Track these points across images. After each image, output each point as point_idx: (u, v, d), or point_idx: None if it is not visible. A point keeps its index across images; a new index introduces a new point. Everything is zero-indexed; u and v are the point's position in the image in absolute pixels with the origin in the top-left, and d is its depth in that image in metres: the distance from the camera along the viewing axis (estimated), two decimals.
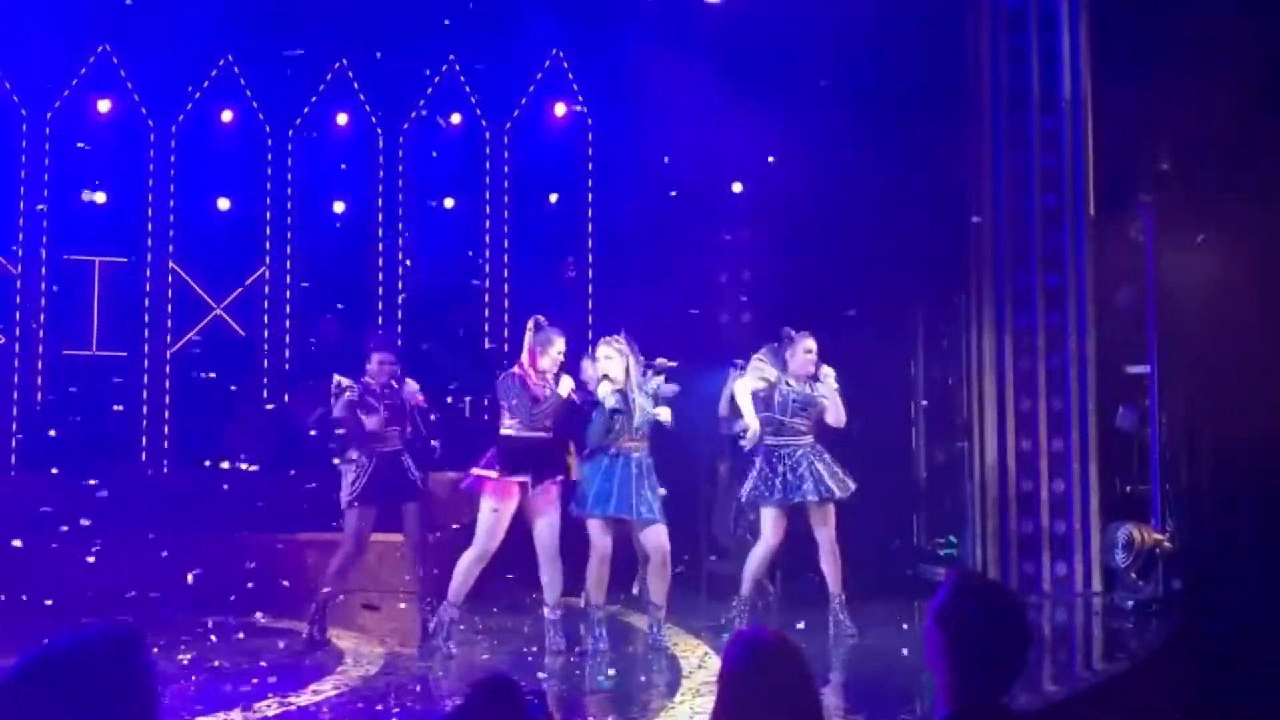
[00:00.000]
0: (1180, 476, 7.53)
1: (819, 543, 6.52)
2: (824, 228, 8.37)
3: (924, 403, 8.88)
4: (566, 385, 6.05)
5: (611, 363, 6.10)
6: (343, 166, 9.77)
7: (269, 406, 9.24)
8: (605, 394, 6.07)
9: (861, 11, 7.72)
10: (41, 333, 9.20)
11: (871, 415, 7.70)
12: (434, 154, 9.85)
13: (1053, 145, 7.87)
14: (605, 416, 6.13)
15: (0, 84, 9.05)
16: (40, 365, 9.17)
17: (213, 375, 9.03)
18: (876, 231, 8.28)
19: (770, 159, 8.77)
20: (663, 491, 6.29)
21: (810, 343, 6.52)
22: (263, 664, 5.99)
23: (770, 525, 6.48)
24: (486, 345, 7.72)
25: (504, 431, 6.12)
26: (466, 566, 6.06)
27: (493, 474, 6.00)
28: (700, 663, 5.91)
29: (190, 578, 6.90)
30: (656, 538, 6.17)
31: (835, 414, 6.51)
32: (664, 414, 6.18)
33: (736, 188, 9.50)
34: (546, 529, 6.12)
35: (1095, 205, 7.88)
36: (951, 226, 8.19)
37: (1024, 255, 7.89)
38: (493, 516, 6.00)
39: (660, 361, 6.30)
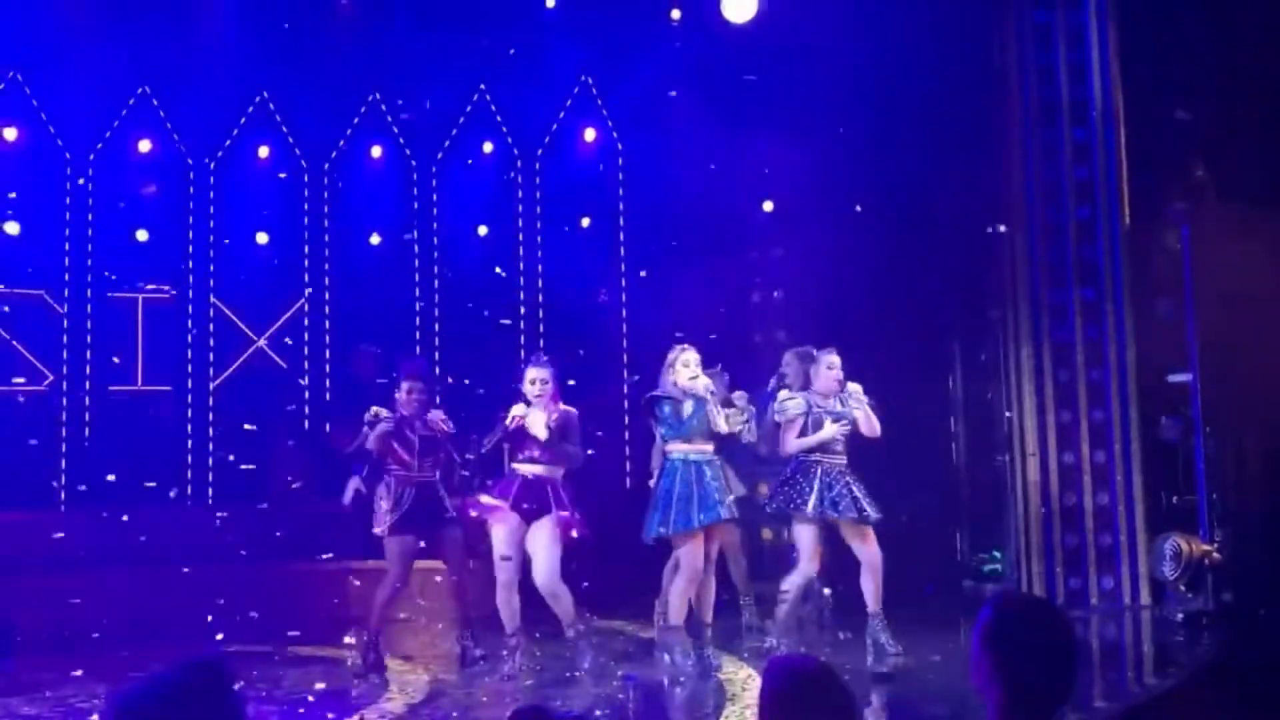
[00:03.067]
0: (1227, 485, 7.43)
1: (861, 560, 6.48)
2: (857, 246, 8.39)
3: (961, 419, 8.83)
4: (536, 420, 6.08)
5: (694, 366, 6.16)
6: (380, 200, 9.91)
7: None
8: (702, 386, 6.12)
9: (890, 29, 7.77)
10: (88, 369, 9.38)
11: (911, 432, 7.68)
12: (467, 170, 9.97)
13: (1085, 157, 7.85)
14: (703, 410, 6.12)
15: (44, 127, 9.26)
16: (87, 401, 9.35)
17: (252, 427, 9.13)
18: (910, 248, 8.28)
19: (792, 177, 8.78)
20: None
21: (834, 358, 6.45)
22: (309, 695, 6.04)
23: (810, 546, 6.41)
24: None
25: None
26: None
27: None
28: (745, 685, 5.89)
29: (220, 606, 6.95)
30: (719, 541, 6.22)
31: (869, 425, 6.44)
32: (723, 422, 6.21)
33: (767, 207, 9.53)
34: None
35: (1130, 216, 7.83)
36: (986, 241, 8.18)
37: (1060, 268, 7.86)
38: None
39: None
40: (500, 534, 6.19)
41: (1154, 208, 7.81)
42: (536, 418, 6.08)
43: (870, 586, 6.42)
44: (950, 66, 8.05)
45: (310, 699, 5.93)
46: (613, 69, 9.53)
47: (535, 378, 6.20)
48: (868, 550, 6.40)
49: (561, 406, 6.26)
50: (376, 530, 6.53)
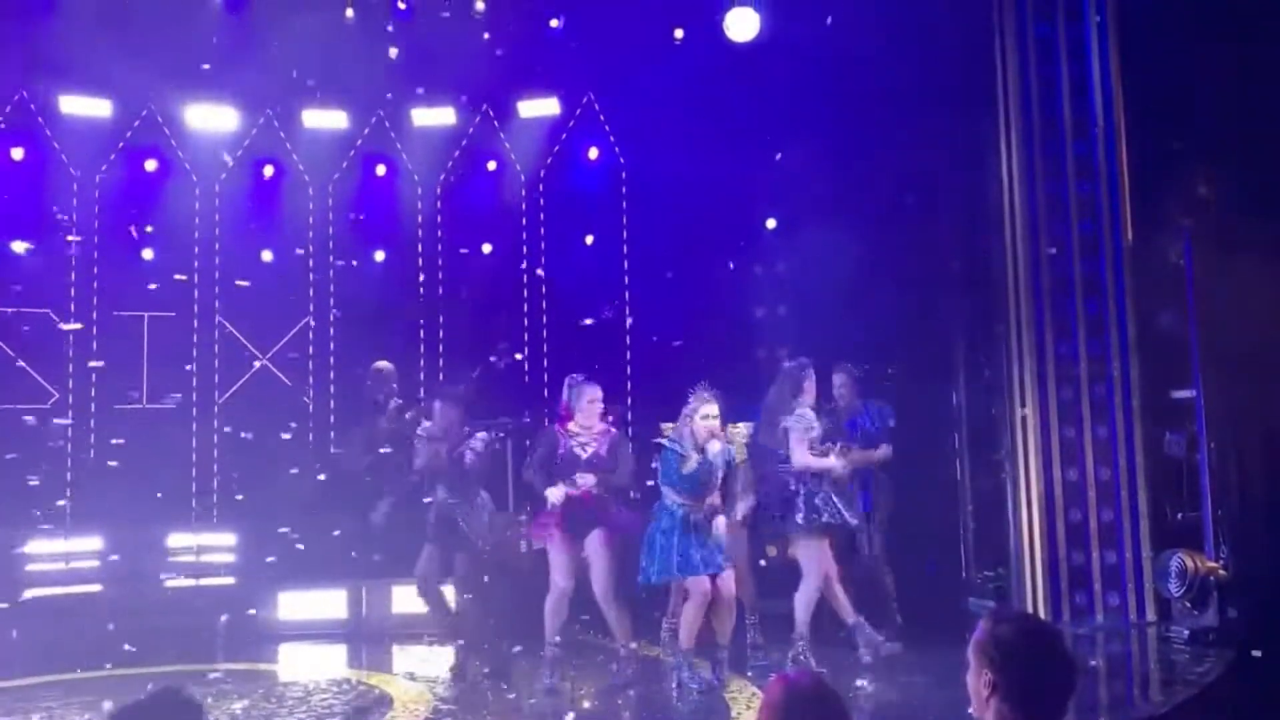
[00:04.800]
0: (1232, 502, 7.40)
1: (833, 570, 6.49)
2: (860, 262, 8.39)
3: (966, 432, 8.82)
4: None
5: (714, 420, 6.01)
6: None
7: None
8: (716, 451, 5.99)
9: (891, 45, 7.79)
10: (93, 390, 9.41)
11: (914, 448, 7.66)
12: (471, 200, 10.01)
13: (1087, 172, 7.86)
14: (707, 471, 6.03)
15: (51, 146, 9.33)
16: (92, 421, 9.38)
17: (248, 436, 9.14)
18: (913, 264, 8.29)
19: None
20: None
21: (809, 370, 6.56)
22: (314, 711, 6.03)
23: (819, 558, 6.41)
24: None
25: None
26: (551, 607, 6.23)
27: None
28: (749, 704, 5.87)
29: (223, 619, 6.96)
30: (730, 583, 6.16)
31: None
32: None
33: (770, 223, 9.55)
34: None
35: (1132, 230, 7.83)
36: (989, 256, 8.18)
37: (1063, 283, 7.85)
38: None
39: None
40: (558, 563, 6.20)
41: (1156, 222, 7.81)
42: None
43: (844, 596, 6.44)
44: (951, 82, 8.08)
45: (316, 716, 5.92)
46: (616, 88, 9.57)
47: (594, 397, 6.21)
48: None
49: (609, 428, 6.34)
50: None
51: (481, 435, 6.53)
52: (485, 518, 6.58)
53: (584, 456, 6.16)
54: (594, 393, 6.23)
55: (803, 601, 6.43)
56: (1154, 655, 7.01)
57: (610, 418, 6.49)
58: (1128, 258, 7.80)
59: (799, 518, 6.35)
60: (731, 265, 9.21)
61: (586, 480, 6.05)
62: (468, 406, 6.72)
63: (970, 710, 2.27)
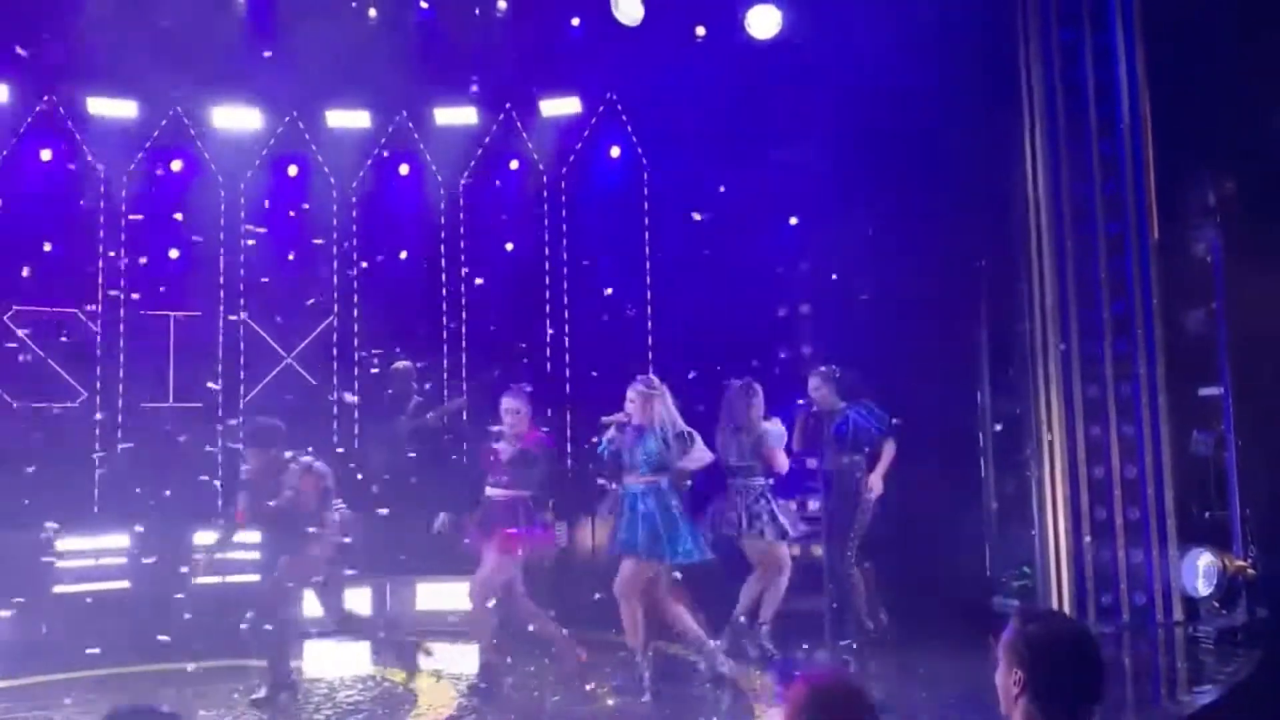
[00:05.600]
0: (1260, 500, 7.34)
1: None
2: (883, 261, 8.37)
3: (996, 428, 8.76)
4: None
5: (632, 405, 6.24)
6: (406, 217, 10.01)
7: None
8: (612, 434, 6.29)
9: (914, 45, 7.76)
10: (121, 386, 9.50)
11: (938, 447, 7.64)
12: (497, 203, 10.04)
13: (1114, 172, 7.81)
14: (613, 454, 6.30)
15: (80, 149, 9.43)
16: (120, 418, 9.46)
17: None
18: (937, 263, 8.25)
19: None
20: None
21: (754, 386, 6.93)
22: (339, 708, 6.08)
23: (786, 559, 6.82)
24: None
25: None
26: None
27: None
28: (771, 702, 5.87)
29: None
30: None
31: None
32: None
33: (793, 221, 9.52)
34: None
35: (1159, 229, 7.77)
36: (1014, 255, 8.14)
37: (1089, 282, 7.80)
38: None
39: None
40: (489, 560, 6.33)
41: (1183, 220, 7.75)
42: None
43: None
44: (975, 84, 8.03)
45: (341, 711, 5.96)
46: (638, 86, 9.57)
47: (508, 408, 6.31)
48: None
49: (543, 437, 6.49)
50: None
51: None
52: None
53: (504, 459, 6.30)
54: (507, 403, 6.33)
55: (776, 594, 6.77)
56: (1181, 655, 6.96)
57: (546, 429, 6.73)
58: (1154, 256, 7.74)
59: (767, 531, 6.72)
60: (753, 269, 9.19)
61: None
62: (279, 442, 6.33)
63: (1001, 710, 2.26)
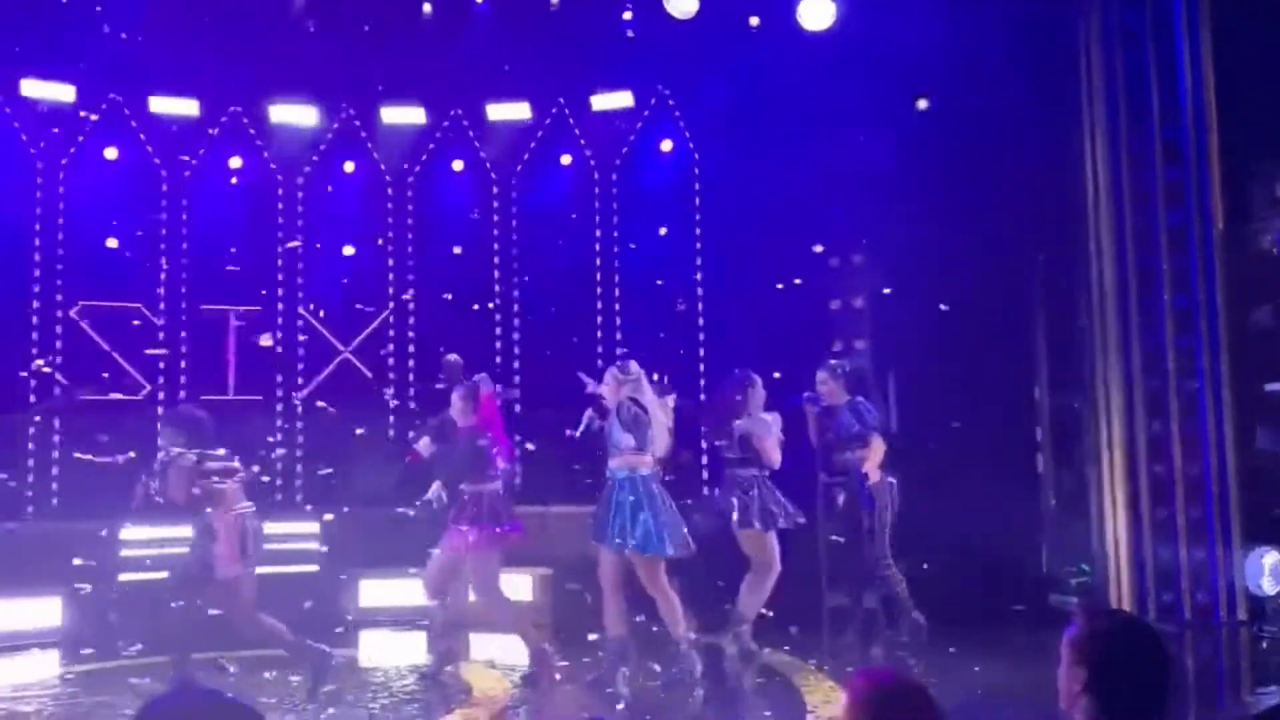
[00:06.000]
0: None
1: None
2: (939, 252, 8.26)
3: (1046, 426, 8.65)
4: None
5: (606, 389, 6.34)
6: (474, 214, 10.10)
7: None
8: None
9: (969, 31, 7.65)
10: (183, 379, 9.70)
11: (995, 442, 7.55)
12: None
13: (1176, 159, 7.64)
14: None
15: (141, 145, 9.62)
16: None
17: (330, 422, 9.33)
18: (993, 254, 8.14)
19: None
20: None
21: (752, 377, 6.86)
22: (395, 697, 6.16)
23: (776, 552, 6.70)
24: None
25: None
26: None
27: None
28: (826, 698, 5.85)
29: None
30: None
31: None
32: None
33: (844, 213, 9.44)
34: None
35: (1224, 220, 7.60)
36: (1072, 248, 8.01)
37: (1150, 274, 7.65)
38: None
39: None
40: None
41: (1249, 212, 7.56)
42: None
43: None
44: (1033, 69, 7.90)
45: (396, 700, 6.04)
46: (690, 80, 9.55)
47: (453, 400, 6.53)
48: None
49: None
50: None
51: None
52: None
53: (424, 454, 6.64)
54: (454, 397, 6.54)
55: (760, 592, 6.68)
56: (1246, 655, 6.81)
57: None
58: (1219, 248, 7.57)
59: (755, 521, 6.60)
60: (806, 260, 9.12)
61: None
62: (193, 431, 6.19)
63: (1061, 707, 2.23)
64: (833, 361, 7.34)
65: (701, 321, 9.91)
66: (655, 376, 6.62)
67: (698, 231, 10.03)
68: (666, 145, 10.06)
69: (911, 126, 8.22)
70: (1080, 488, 8.20)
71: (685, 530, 6.20)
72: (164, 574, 7.34)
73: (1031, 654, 6.48)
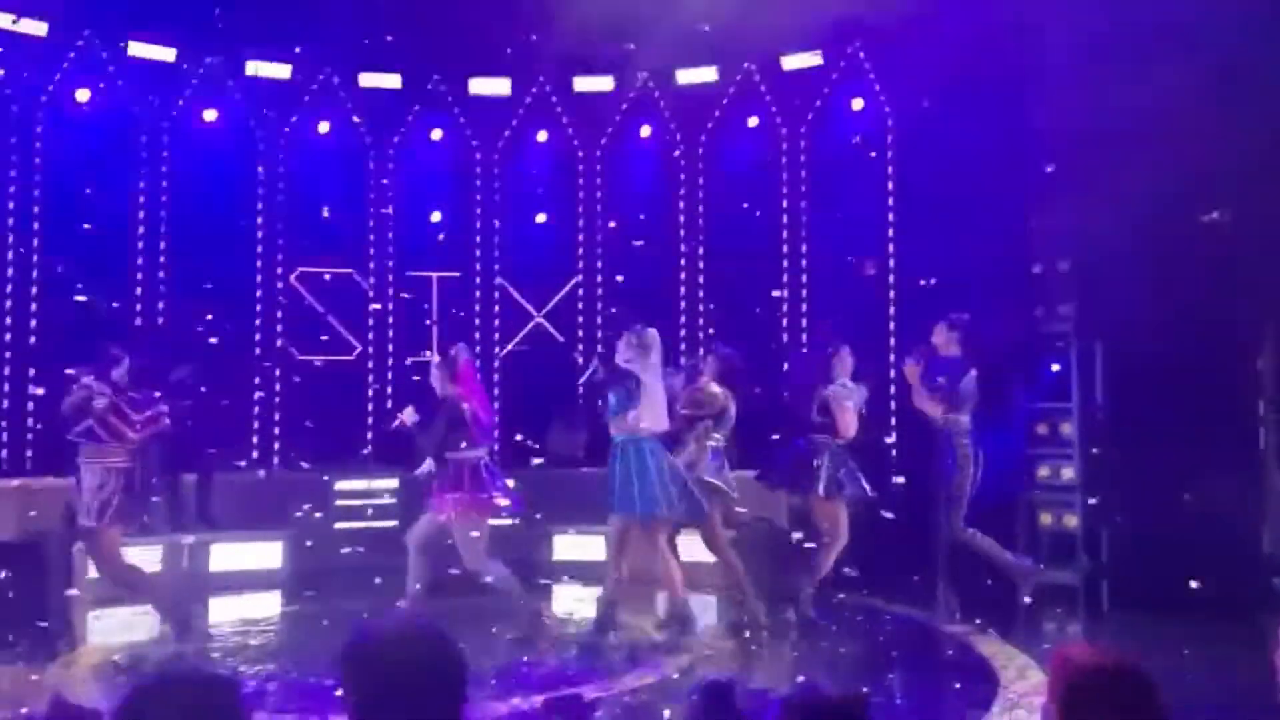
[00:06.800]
0: None
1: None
2: (1151, 212, 7.72)
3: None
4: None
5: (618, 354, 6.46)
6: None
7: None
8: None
9: None
10: (390, 345, 10.29)
11: (1211, 416, 7.07)
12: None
13: None
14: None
15: (351, 120, 10.19)
16: (390, 374, 10.26)
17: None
18: (1212, 213, 7.57)
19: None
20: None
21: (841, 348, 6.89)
22: (582, 654, 6.39)
23: (843, 521, 6.73)
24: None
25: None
26: None
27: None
28: (1020, 674, 5.68)
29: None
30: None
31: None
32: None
33: (1049, 169, 8.95)
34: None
35: None
36: None
37: None
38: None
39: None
40: None
41: None
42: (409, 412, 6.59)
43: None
44: (1261, 28, 7.21)
45: (592, 657, 6.27)
46: (881, 36, 9.28)
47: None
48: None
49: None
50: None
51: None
52: None
53: (408, 424, 6.65)
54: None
55: (821, 561, 6.71)
56: None
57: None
58: None
59: (820, 488, 6.61)
60: (1005, 221, 8.72)
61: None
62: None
63: None
64: (954, 315, 7.12)
65: (892, 281, 9.64)
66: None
67: (890, 189, 9.75)
68: (858, 104, 9.82)
69: (1118, 79, 7.66)
70: None
71: (686, 495, 6.38)
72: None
73: (1249, 639, 6.07)
